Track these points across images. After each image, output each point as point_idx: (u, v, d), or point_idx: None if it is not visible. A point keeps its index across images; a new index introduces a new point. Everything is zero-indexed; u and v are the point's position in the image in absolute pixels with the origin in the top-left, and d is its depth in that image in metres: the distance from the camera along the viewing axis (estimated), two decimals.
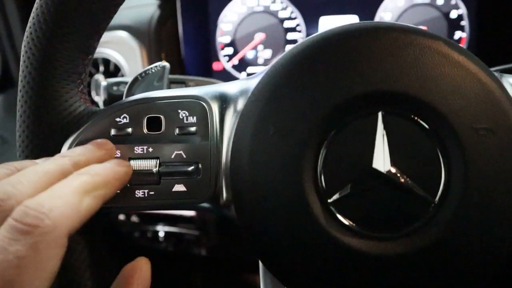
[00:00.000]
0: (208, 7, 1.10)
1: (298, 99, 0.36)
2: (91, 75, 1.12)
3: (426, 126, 0.36)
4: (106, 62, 1.12)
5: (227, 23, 1.10)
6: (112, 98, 0.77)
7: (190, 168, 0.40)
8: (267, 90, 0.37)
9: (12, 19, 1.24)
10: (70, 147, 0.41)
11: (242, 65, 1.12)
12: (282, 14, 1.09)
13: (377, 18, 1.07)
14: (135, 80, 0.67)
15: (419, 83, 0.35)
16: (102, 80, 1.09)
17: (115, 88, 0.76)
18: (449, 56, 0.36)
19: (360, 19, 1.07)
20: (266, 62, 1.11)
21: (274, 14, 1.09)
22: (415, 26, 0.38)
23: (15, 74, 1.30)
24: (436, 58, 0.36)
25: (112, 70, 1.12)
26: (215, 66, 1.13)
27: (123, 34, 1.09)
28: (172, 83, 0.77)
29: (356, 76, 0.35)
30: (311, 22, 1.09)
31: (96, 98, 1.09)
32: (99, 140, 0.40)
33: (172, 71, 1.11)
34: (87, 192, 0.30)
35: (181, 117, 0.41)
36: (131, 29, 1.09)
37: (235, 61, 1.12)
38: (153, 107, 0.41)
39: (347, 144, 0.36)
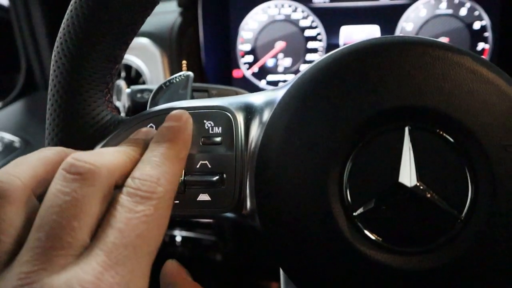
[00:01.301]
0: (229, 15, 1.11)
1: (325, 112, 0.36)
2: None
3: (454, 142, 0.36)
4: (128, 68, 1.13)
5: (248, 31, 1.11)
6: (136, 105, 0.78)
7: (215, 178, 0.40)
8: (293, 102, 0.37)
9: (37, 24, 1.27)
10: None
11: (262, 73, 1.12)
12: (303, 23, 1.09)
13: (398, 29, 1.06)
14: (160, 89, 0.67)
15: (447, 99, 0.35)
16: (123, 86, 1.11)
17: (139, 95, 0.77)
18: (477, 72, 0.36)
19: (382, 29, 1.07)
20: (286, 70, 1.11)
21: (295, 23, 1.09)
22: (442, 42, 0.38)
23: (38, 78, 1.32)
24: (464, 74, 0.36)
25: (134, 76, 1.13)
26: (235, 73, 1.13)
27: (144, 41, 1.10)
28: (195, 91, 0.78)
29: (383, 90, 0.35)
30: (332, 31, 1.09)
31: (118, 103, 1.11)
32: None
33: (195, 78, 1.12)
34: (175, 157, 0.34)
35: (206, 127, 0.41)
36: (152, 36, 1.10)
37: (255, 68, 1.12)
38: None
39: (374, 158, 0.36)
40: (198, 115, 0.41)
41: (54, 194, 0.27)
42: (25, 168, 0.30)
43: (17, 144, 1.14)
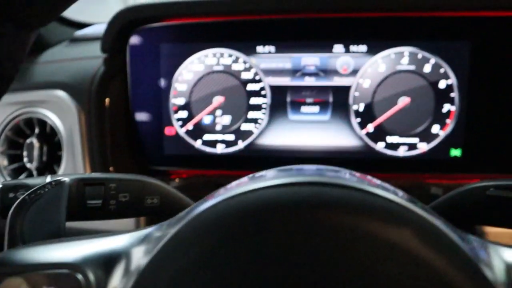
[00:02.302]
0: (161, 63, 0.96)
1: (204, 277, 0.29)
2: (26, 136, 0.98)
3: None
4: (42, 123, 0.98)
5: (182, 82, 0.96)
6: (8, 206, 0.62)
7: None
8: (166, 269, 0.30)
9: None
10: None
11: (198, 132, 0.98)
12: (244, 76, 0.95)
13: (353, 86, 0.92)
14: (22, 203, 0.52)
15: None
16: (36, 144, 0.95)
17: (11, 194, 0.61)
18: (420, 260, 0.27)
19: (335, 85, 0.93)
20: (225, 129, 0.96)
21: (235, 75, 0.95)
22: (373, 194, 0.30)
23: None
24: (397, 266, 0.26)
25: (49, 132, 0.98)
26: (167, 131, 0.98)
27: (60, 93, 0.95)
28: (88, 185, 0.62)
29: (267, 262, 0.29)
30: (278, 86, 0.94)
31: (28, 165, 0.95)
32: None
33: (119, 136, 0.98)
34: None
35: None
36: (69, 88, 0.95)
37: (190, 126, 0.97)
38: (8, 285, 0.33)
39: None
40: (36, 280, 0.33)
41: None
42: None
43: None
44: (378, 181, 0.44)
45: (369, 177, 0.49)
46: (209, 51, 0.95)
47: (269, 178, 0.35)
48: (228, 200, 0.32)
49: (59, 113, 0.95)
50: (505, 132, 0.89)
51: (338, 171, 0.47)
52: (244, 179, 0.47)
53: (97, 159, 0.93)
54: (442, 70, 0.90)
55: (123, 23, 0.92)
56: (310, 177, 0.34)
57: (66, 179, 0.55)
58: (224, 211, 0.32)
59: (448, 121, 0.90)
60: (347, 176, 0.40)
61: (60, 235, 0.54)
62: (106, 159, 0.94)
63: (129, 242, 0.36)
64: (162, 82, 0.97)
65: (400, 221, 0.30)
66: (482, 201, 0.58)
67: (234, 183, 0.43)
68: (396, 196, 0.33)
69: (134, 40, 0.96)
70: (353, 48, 0.91)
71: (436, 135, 0.91)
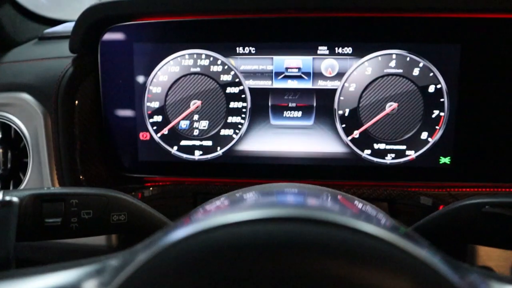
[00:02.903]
0: (134, 65, 0.90)
1: None
2: None
3: None
4: (6, 127, 0.91)
5: (157, 85, 0.90)
6: None
7: None
8: None
9: None
10: None
11: (174, 137, 0.92)
12: (223, 78, 0.89)
13: (339, 89, 0.87)
14: None
15: None
16: None
17: None
18: None
19: (319, 89, 0.88)
20: (202, 135, 0.91)
21: (213, 77, 0.89)
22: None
23: None
24: None
25: (14, 137, 0.91)
26: (142, 136, 0.92)
27: (26, 96, 0.88)
28: (46, 202, 0.57)
29: None
30: (259, 89, 0.89)
31: None
32: None
33: (90, 141, 0.92)
34: None
35: None
36: (36, 91, 0.88)
37: (165, 131, 0.91)
38: None
39: None
40: None
41: None
42: None
43: None
44: (362, 205, 0.40)
45: (355, 202, 0.45)
46: (186, 52, 0.89)
47: (244, 207, 0.31)
48: (196, 236, 0.29)
49: (24, 117, 0.89)
50: (496, 139, 0.85)
51: (319, 195, 0.42)
52: (218, 202, 0.43)
53: (66, 166, 0.87)
54: (431, 74, 0.85)
55: (93, 21, 0.86)
56: (288, 209, 0.30)
57: (15, 199, 0.49)
58: (188, 249, 0.29)
59: (437, 127, 0.86)
60: (328, 205, 0.36)
61: (9, 260, 0.48)
62: (75, 166, 0.87)
63: (79, 276, 0.32)
64: (136, 84, 0.91)
65: (393, 266, 0.25)
66: (477, 219, 0.55)
67: (205, 208, 0.39)
68: (381, 228, 0.28)
69: (106, 39, 0.90)
70: (338, 50, 0.86)
71: (425, 142, 0.87)
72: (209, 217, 0.31)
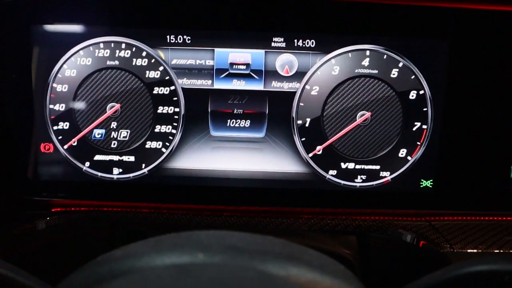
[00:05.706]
0: (32, 54, 0.71)
1: None
2: None
3: None
4: None
5: (62, 82, 0.73)
6: None
7: None
8: None
9: None
10: None
11: (85, 150, 0.76)
12: (149, 75, 0.73)
13: (298, 93, 0.74)
14: None
15: None
16: None
17: None
18: None
19: (273, 91, 0.73)
20: (122, 147, 0.75)
21: (136, 73, 0.73)
22: None
23: None
24: None
25: None
26: (44, 148, 0.74)
27: None
28: None
29: None
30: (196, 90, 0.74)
31: None
32: None
33: None
34: None
35: None
36: None
37: (74, 142, 0.75)
38: None
39: None
40: None
41: None
42: None
43: None
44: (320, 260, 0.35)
45: (305, 256, 0.34)
46: (100, 39, 0.73)
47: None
48: None
49: None
50: (488, 159, 0.76)
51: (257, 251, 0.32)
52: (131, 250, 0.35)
53: None
54: (412, 77, 0.74)
55: None
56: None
57: None
58: None
59: (418, 143, 0.76)
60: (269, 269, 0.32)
61: None
62: None
63: None
64: (35, 81, 0.73)
65: None
66: None
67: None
68: None
69: None
70: (298, 42, 0.73)
71: (403, 161, 0.77)
72: None
